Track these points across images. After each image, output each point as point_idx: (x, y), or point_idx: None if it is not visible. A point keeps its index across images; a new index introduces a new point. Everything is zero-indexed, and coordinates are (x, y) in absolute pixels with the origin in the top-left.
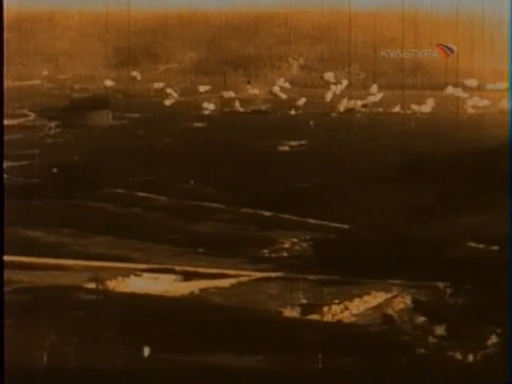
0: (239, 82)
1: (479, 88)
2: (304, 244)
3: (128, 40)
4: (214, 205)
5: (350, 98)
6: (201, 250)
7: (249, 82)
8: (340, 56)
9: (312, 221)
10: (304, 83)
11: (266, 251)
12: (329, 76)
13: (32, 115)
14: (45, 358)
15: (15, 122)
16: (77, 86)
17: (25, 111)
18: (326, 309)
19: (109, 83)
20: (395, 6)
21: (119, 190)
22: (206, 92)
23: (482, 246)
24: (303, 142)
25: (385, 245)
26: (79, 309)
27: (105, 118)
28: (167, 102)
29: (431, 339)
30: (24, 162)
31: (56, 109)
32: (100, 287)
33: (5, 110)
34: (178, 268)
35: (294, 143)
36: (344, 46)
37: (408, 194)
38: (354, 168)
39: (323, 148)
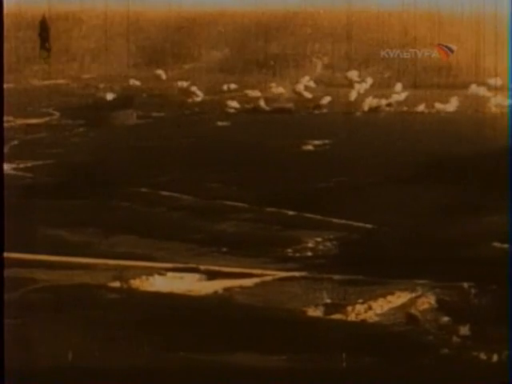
0: (264, 81)
1: (503, 87)
2: (328, 243)
3: (153, 39)
4: (238, 204)
5: (374, 97)
6: (225, 249)
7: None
8: (365, 55)
9: (336, 220)
10: (329, 82)
11: (289, 251)
12: (353, 74)
13: (57, 114)
14: (69, 357)
15: (40, 120)
16: (101, 85)
17: (50, 110)
18: (349, 308)
19: (133, 82)
20: (420, 6)
21: (143, 190)
22: (230, 91)
23: (506, 246)
24: (327, 141)
25: (409, 244)
26: (103, 307)
27: (129, 117)
28: (192, 101)
29: (455, 339)
30: (49, 161)
31: (81, 108)
32: (124, 286)
33: (30, 108)
34: (202, 267)
35: (318, 142)
36: (369, 45)
37: (433, 194)
38: (378, 167)
39: (347, 147)
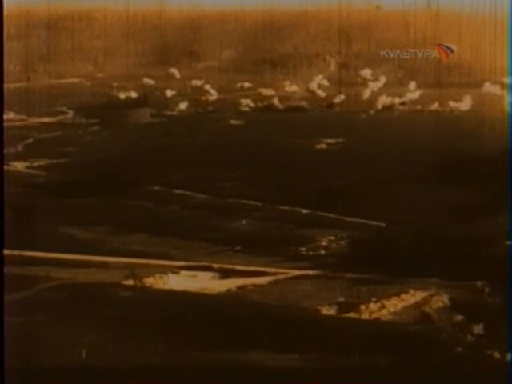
0: (278, 80)
1: None
2: (341, 242)
3: (166, 38)
4: (252, 202)
5: (387, 95)
6: (238, 247)
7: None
8: (378, 53)
9: (349, 219)
10: (342, 80)
11: (303, 249)
12: (366, 73)
13: (71, 113)
14: (83, 355)
15: (54, 119)
16: (115, 84)
17: (63, 109)
18: (363, 307)
19: (147, 81)
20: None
21: (157, 188)
22: (244, 89)
23: None
24: (340, 140)
25: (422, 243)
26: (117, 306)
27: (143, 115)
28: (205, 99)
29: (469, 338)
30: (62, 160)
31: (94, 107)
32: (138, 284)
33: (44, 108)
34: (215, 265)
35: (331, 141)
36: (382, 44)
37: (446, 192)
38: (391, 166)
39: (361, 146)
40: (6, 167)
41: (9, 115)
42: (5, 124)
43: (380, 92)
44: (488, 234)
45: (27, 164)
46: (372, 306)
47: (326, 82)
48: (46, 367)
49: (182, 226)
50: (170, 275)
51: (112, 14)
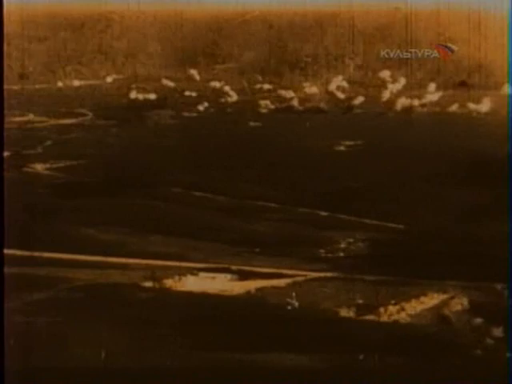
0: (297, 81)
1: None
2: (360, 244)
3: (186, 39)
4: (271, 204)
5: (407, 97)
6: (257, 249)
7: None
8: (397, 55)
9: (368, 221)
10: (361, 82)
11: (322, 251)
12: (385, 74)
13: (90, 114)
14: (102, 356)
15: (73, 121)
16: (134, 86)
17: (83, 111)
18: (382, 309)
19: (166, 83)
20: (455, 6)
21: (176, 189)
22: (263, 91)
23: None
24: (359, 142)
25: (441, 245)
26: (136, 307)
27: (162, 117)
28: (225, 101)
29: (488, 341)
30: (81, 161)
31: (114, 108)
32: (157, 286)
33: (63, 109)
34: (234, 267)
35: (350, 143)
36: (401, 46)
37: (465, 194)
38: (410, 167)
39: (379, 148)
40: (25, 169)
41: (28, 117)
42: (24, 126)
43: (399, 94)
44: (508, 236)
45: (47, 166)
46: (391, 308)
47: (345, 84)
48: (67, 369)
49: (201, 227)
50: (189, 277)
51: (131, 16)
